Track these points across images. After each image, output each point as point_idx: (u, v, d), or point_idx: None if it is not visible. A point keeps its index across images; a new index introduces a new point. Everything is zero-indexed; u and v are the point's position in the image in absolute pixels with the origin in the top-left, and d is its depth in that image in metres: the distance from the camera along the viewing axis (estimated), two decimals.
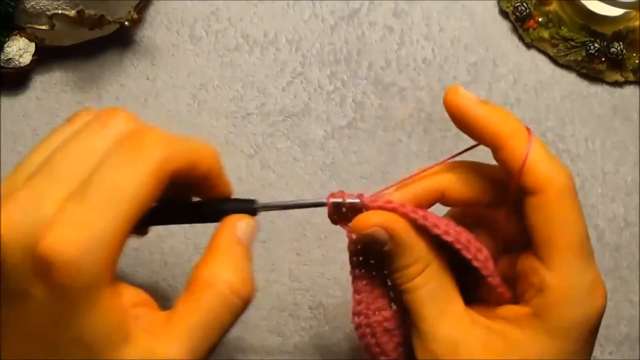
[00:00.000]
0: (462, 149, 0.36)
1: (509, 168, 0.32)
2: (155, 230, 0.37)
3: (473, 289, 0.34)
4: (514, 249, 0.34)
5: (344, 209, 0.34)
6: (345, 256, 0.47)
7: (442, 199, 0.35)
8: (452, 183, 0.34)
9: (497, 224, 0.35)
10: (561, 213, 0.31)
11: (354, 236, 0.34)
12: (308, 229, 0.48)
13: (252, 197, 0.35)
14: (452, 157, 0.35)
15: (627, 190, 0.50)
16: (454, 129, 0.49)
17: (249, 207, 0.34)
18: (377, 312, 0.35)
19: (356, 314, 0.36)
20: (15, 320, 0.29)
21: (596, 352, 0.48)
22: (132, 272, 0.47)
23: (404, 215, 0.32)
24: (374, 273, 0.35)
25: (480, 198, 0.34)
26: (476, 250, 0.32)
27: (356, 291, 0.35)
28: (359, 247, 0.35)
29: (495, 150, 0.32)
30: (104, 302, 0.28)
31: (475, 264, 0.32)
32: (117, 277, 0.29)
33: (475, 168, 0.35)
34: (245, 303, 0.31)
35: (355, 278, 0.35)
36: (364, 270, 0.35)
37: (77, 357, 0.28)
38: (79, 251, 0.27)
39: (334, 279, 0.47)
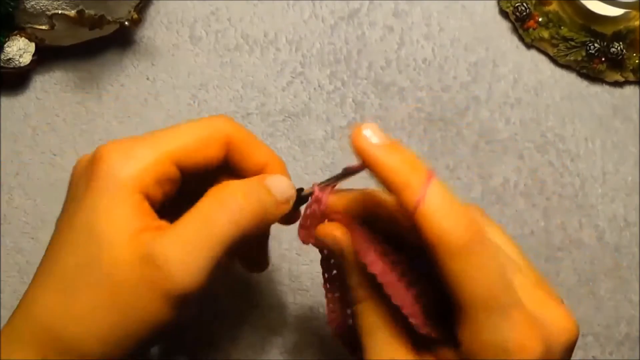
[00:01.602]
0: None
1: (407, 222, 0.29)
2: None
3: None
4: None
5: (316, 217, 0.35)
6: None
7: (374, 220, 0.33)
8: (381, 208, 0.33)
9: None
10: (460, 267, 0.28)
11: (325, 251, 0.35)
12: None
13: None
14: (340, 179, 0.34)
15: (627, 190, 0.50)
16: (454, 129, 0.50)
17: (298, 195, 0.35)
18: (348, 321, 0.36)
19: (329, 322, 0.37)
20: (61, 216, 0.32)
21: (596, 352, 0.48)
22: None
23: (353, 235, 0.32)
24: (344, 286, 0.35)
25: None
26: (405, 285, 0.31)
27: (328, 302, 0.37)
28: (332, 261, 0.36)
29: (396, 200, 0.29)
30: (127, 204, 0.30)
31: (394, 301, 0.31)
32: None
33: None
34: (251, 222, 0.31)
35: (327, 290, 0.37)
36: (337, 283, 0.36)
37: (86, 245, 0.30)
38: (121, 151, 0.31)
39: None
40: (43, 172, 0.48)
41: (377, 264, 0.31)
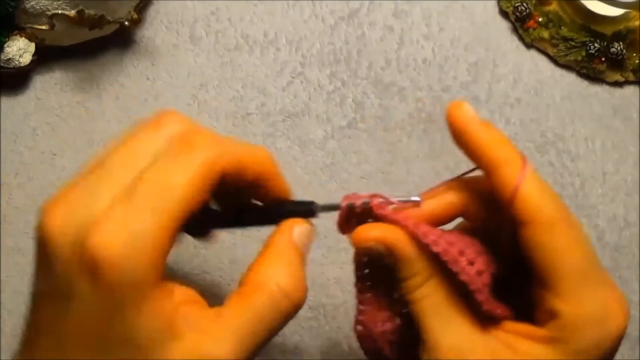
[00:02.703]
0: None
1: (499, 196, 0.31)
2: None
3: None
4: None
5: (353, 217, 0.34)
6: (345, 256, 0.47)
7: (463, 215, 0.34)
8: (473, 199, 0.34)
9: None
10: (556, 242, 0.30)
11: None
12: None
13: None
14: (457, 178, 0.35)
15: (627, 190, 0.50)
16: None
17: (308, 209, 0.34)
18: (379, 324, 0.35)
19: (358, 323, 0.36)
20: (62, 321, 0.28)
21: None
22: (180, 268, 0.47)
23: (404, 228, 0.32)
24: (379, 285, 0.35)
25: (472, 213, 0.34)
26: (467, 263, 0.32)
27: (360, 302, 0.36)
28: (365, 259, 0.35)
29: (489, 176, 0.32)
30: (153, 301, 0.28)
31: (462, 277, 0.31)
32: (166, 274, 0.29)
33: (469, 184, 0.34)
34: (296, 307, 0.31)
35: (360, 290, 0.36)
36: (369, 283, 0.35)
37: (124, 356, 0.28)
38: (123, 249, 0.27)
39: (334, 279, 0.47)
40: (43, 172, 0.48)
41: (439, 242, 0.32)
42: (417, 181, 0.48)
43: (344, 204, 0.34)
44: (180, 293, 0.30)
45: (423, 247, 0.32)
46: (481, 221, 0.34)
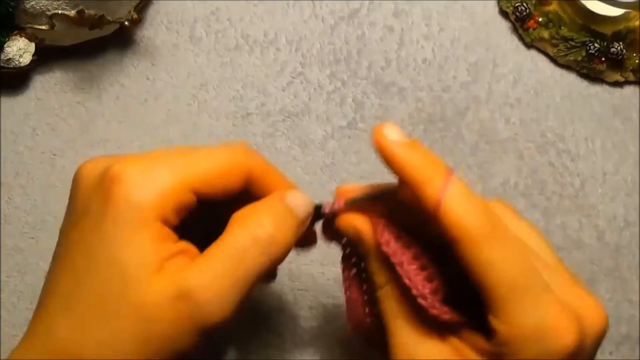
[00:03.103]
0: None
1: (428, 217, 0.30)
2: None
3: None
4: None
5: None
6: None
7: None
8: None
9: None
10: (483, 259, 0.29)
11: (342, 247, 0.36)
12: None
13: None
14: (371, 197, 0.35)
15: (627, 190, 0.50)
16: (454, 129, 0.50)
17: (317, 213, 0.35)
18: (367, 317, 0.36)
19: (349, 318, 0.37)
20: (72, 233, 0.31)
21: None
22: None
23: (373, 225, 0.33)
24: (363, 281, 0.36)
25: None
26: (418, 267, 0.31)
27: (348, 298, 0.36)
28: (349, 260, 0.36)
29: (417, 197, 0.31)
30: (148, 233, 0.29)
31: (405, 281, 0.31)
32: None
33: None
34: (281, 249, 0.31)
35: (347, 287, 0.36)
36: (353, 277, 0.36)
37: (108, 275, 0.29)
38: (140, 177, 0.30)
39: (334, 279, 0.47)
40: (43, 172, 0.48)
41: (390, 244, 0.32)
42: None
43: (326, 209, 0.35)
44: (181, 244, 0.31)
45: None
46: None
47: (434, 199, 0.29)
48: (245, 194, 0.34)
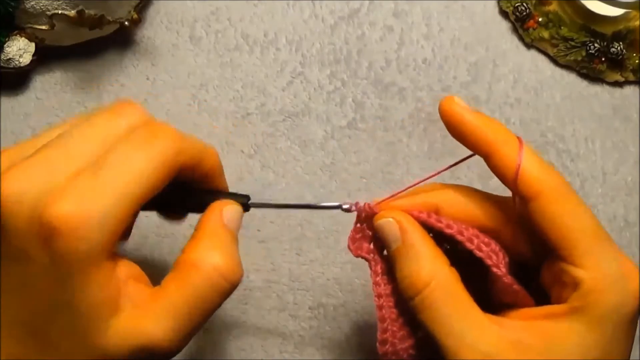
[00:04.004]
0: (462, 153, 0.36)
1: (502, 177, 0.32)
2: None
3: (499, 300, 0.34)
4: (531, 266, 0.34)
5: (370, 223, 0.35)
6: (345, 256, 0.47)
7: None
8: (448, 202, 0.35)
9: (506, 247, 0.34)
10: (565, 209, 0.31)
11: (378, 267, 0.35)
12: (308, 229, 0.48)
13: (252, 197, 0.35)
14: (450, 167, 0.36)
15: (627, 190, 0.50)
16: None
17: (243, 202, 0.35)
18: (402, 340, 0.35)
19: (382, 342, 0.35)
20: (14, 281, 0.30)
21: None
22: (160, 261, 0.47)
23: (418, 218, 0.33)
24: (399, 299, 0.35)
25: (475, 222, 0.34)
26: (481, 242, 0.32)
27: (381, 319, 0.35)
28: (385, 276, 0.35)
29: (488, 159, 0.33)
30: (101, 275, 0.29)
31: (478, 253, 0.32)
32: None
33: (473, 192, 0.35)
34: (232, 286, 0.32)
35: (379, 306, 0.35)
36: (388, 298, 0.35)
37: (66, 322, 0.29)
38: (84, 222, 0.28)
39: (334, 279, 0.47)
40: None
41: (451, 225, 0.33)
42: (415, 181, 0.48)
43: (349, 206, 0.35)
44: (126, 268, 0.31)
45: (433, 244, 0.33)
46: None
47: (512, 161, 0.32)
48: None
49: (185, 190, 0.35)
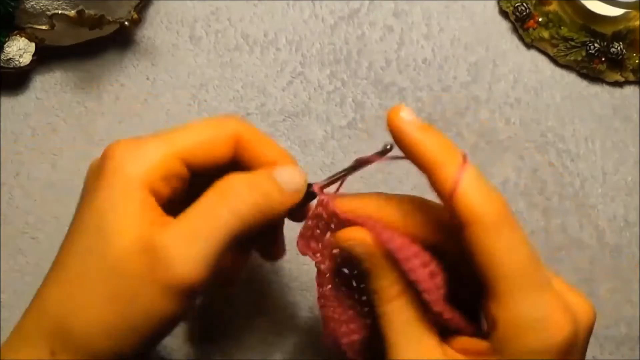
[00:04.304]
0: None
1: (440, 199, 0.31)
2: None
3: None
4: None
5: (322, 223, 0.34)
6: None
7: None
8: (393, 217, 0.33)
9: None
10: (495, 242, 0.29)
11: (322, 266, 0.34)
12: None
13: None
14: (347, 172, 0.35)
15: (627, 190, 0.50)
16: (454, 129, 0.50)
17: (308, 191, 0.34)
18: (346, 336, 0.35)
19: (326, 336, 0.36)
20: (75, 214, 0.33)
21: (596, 352, 0.48)
22: None
23: (373, 233, 0.32)
24: (344, 298, 0.35)
25: (422, 237, 0.33)
26: (421, 264, 0.31)
27: (324, 316, 0.36)
28: (327, 275, 0.35)
29: (429, 179, 0.31)
30: (134, 200, 0.31)
31: (411, 276, 0.31)
32: None
33: (422, 205, 0.34)
34: (256, 215, 0.31)
35: (322, 305, 0.35)
36: (332, 298, 0.35)
37: (93, 241, 0.31)
38: (130, 153, 0.32)
39: None
40: (43, 172, 0.48)
41: (394, 240, 0.31)
42: (416, 181, 0.48)
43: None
44: (165, 219, 0.31)
45: (394, 261, 0.31)
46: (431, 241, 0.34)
47: (450, 183, 0.30)
48: (239, 168, 0.34)
49: None
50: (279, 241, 0.39)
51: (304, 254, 0.35)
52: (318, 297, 0.36)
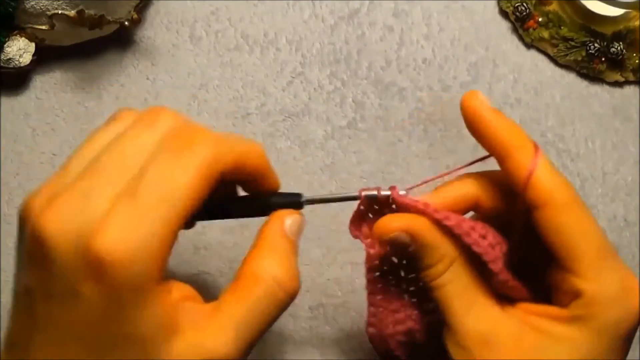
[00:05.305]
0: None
1: (513, 180, 0.32)
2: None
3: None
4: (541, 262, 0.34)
5: (374, 208, 0.35)
6: (345, 256, 0.47)
7: (476, 208, 0.35)
8: (486, 192, 0.34)
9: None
10: (572, 221, 0.31)
11: (371, 251, 0.35)
12: (308, 229, 0.48)
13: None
14: (467, 165, 0.36)
15: (627, 190, 0.50)
16: (454, 129, 0.50)
17: (296, 201, 0.34)
18: (391, 326, 0.36)
19: (370, 325, 0.36)
20: (63, 320, 0.28)
21: None
22: (180, 268, 0.47)
23: (427, 215, 0.33)
24: (391, 288, 0.36)
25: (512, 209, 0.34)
26: (479, 236, 0.32)
27: (371, 304, 0.36)
28: (376, 262, 0.35)
29: (501, 162, 0.33)
30: (155, 299, 0.28)
31: (475, 248, 0.32)
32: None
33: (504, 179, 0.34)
34: (290, 298, 0.32)
35: (371, 291, 0.36)
36: (380, 285, 0.36)
37: (128, 354, 0.28)
38: (130, 251, 0.27)
39: (334, 279, 0.47)
40: (43, 172, 0.48)
41: (450, 217, 0.32)
42: (416, 181, 0.48)
43: (362, 194, 0.34)
44: (179, 289, 0.30)
45: (445, 233, 0.33)
46: (493, 214, 0.35)
47: (526, 167, 0.32)
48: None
49: (231, 195, 0.35)
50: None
51: (355, 237, 0.36)
52: (367, 283, 0.36)
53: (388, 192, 0.34)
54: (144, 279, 0.28)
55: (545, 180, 0.31)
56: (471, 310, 0.32)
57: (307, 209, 0.35)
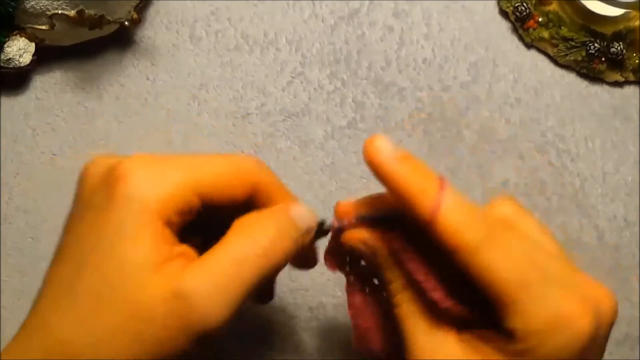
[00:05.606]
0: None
1: (422, 229, 0.30)
2: None
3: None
4: None
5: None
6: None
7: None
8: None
9: None
10: (486, 262, 0.29)
11: (351, 276, 0.35)
12: None
13: None
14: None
15: (627, 190, 0.50)
16: (454, 129, 0.50)
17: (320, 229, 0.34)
18: (376, 344, 0.36)
19: (358, 344, 0.37)
20: (74, 227, 0.31)
21: None
22: None
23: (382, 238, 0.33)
24: (376, 305, 0.36)
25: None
26: (424, 269, 0.31)
27: (353, 327, 0.36)
28: (356, 287, 0.36)
29: (407, 211, 0.31)
30: (150, 232, 0.29)
31: (417, 277, 0.31)
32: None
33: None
34: (280, 258, 0.31)
35: (352, 315, 0.36)
36: (364, 302, 0.36)
37: (107, 270, 0.29)
38: (144, 175, 0.30)
39: (334, 279, 0.47)
40: (43, 172, 0.48)
41: (402, 250, 0.32)
42: None
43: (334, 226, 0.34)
44: (182, 249, 0.31)
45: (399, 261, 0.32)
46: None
47: (428, 211, 0.29)
48: (249, 205, 0.33)
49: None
50: (273, 284, 0.39)
51: (332, 270, 0.36)
52: (348, 307, 0.36)
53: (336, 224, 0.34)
54: (150, 206, 0.30)
55: (449, 224, 0.29)
56: (424, 332, 0.32)
57: None
